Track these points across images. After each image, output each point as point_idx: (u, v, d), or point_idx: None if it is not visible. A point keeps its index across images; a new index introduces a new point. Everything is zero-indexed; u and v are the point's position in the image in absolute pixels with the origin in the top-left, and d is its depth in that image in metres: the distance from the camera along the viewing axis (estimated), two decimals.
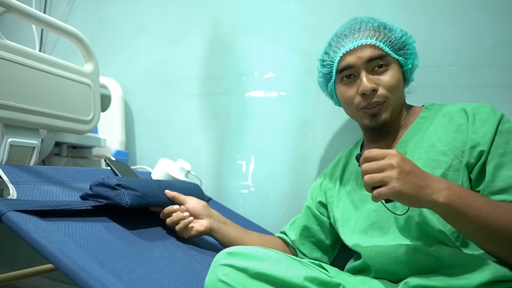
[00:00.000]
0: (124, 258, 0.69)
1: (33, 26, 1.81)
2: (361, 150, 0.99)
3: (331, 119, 1.29)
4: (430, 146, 0.79)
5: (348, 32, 0.85)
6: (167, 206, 0.90)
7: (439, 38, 1.16)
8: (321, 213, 1.01)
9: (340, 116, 1.28)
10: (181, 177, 1.19)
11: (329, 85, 0.93)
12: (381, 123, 0.84)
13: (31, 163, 0.96)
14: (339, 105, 0.97)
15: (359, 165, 0.66)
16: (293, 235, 1.03)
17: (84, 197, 0.84)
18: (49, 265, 1.15)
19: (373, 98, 0.82)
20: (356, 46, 0.82)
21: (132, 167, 1.27)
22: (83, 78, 1.10)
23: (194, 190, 1.09)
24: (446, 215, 0.63)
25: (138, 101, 1.64)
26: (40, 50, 1.83)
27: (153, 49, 1.63)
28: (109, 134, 1.47)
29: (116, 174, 1.14)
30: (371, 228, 0.83)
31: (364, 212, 0.85)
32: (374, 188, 0.62)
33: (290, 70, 1.36)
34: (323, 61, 0.91)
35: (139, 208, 0.87)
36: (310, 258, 1.00)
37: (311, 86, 1.33)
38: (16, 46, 0.91)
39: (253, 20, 1.44)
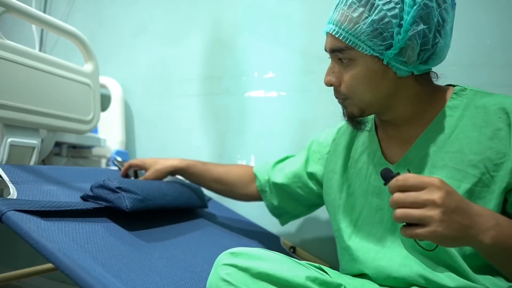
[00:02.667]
0: (124, 259, 0.69)
1: (33, 26, 1.81)
2: (377, 134, 0.81)
3: (331, 119, 1.28)
4: (458, 152, 0.67)
5: (334, 8, 0.72)
6: (168, 209, 0.91)
7: None
8: (310, 181, 0.97)
9: (339, 116, 1.27)
10: (181, 177, 1.19)
11: None
12: (349, 117, 0.76)
13: (31, 163, 0.96)
14: None
15: (384, 184, 0.55)
16: (278, 177, 1.01)
17: (85, 198, 0.84)
18: (49, 265, 1.15)
19: (337, 91, 0.75)
20: (326, 31, 0.74)
21: None
22: (83, 78, 1.10)
23: (194, 190, 1.09)
24: (488, 253, 0.56)
25: (138, 101, 1.64)
26: (40, 50, 1.83)
27: (153, 49, 1.63)
28: (109, 134, 1.46)
29: (126, 175, 1.14)
30: (374, 227, 0.76)
31: (372, 204, 0.77)
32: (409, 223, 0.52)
33: (290, 70, 1.36)
34: None
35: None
36: (278, 207, 1.03)
37: (311, 86, 1.33)
38: (16, 46, 0.91)
39: (253, 20, 1.44)
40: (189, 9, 1.56)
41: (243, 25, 1.45)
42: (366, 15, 0.65)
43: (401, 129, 0.75)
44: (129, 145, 1.61)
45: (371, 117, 0.84)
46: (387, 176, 0.55)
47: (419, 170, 0.71)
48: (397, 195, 0.51)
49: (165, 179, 1.18)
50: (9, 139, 0.89)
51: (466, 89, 0.75)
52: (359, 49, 0.67)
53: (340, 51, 0.69)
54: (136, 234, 0.81)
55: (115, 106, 1.55)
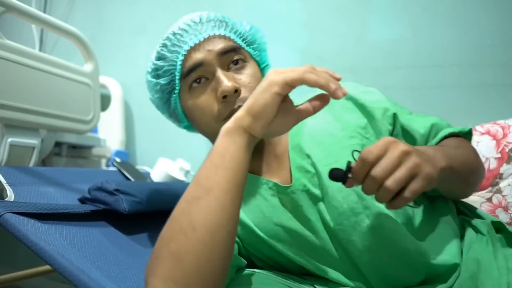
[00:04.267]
0: (121, 265, 0.69)
1: (33, 26, 1.81)
2: None
3: None
4: (330, 136, 0.63)
5: (188, 26, 0.67)
6: (166, 211, 0.90)
7: (439, 38, 1.16)
8: None
9: None
10: (180, 177, 1.19)
11: (172, 99, 0.69)
12: None
13: (31, 163, 0.96)
14: (187, 126, 0.74)
15: (344, 183, 0.49)
16: None
17: (83, 201, 0.84)
18: (48, 267, 1.15)
19: (235, 102, 0.61)
20: (203, 38, 0.65)
21: None
22: (83, 78, 1.10)
23: None
24: (448, 175, 0.53)
25: (138, 101, 1.64)
26: (40, 50, 1.83)
27: (153, 49, 1.62)
28: (109, 134, 1.46)
29: (126, 177, 1.14)
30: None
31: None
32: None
33: None
34: (157, 70, 0.69)
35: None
36: None
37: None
38: (16, 46, 0.90)
39: (253, 20, 1.43)
40: (189, 9, 1.55)
41: None
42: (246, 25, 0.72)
43: (267, 142, 0.68)
44: (129, 145, 1.61)
45: None
46: (340, 174, 0.49)
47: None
48: (375, 171, 0.45)
49: (161, 177, 1.17)
50: (9, 139, 0.89)
51: None
52: (247, 49, 0.69)
53: (235, 50, 0.65)
54: (134, 239, 0.81)
55: (115, 106, 1.55)
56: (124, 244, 0.78)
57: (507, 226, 0.63)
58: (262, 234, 0.62)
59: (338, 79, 0.50)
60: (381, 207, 0.59)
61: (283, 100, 0.50)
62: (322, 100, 0.51)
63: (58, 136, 1.12)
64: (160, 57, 0.68)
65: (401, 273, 0.59)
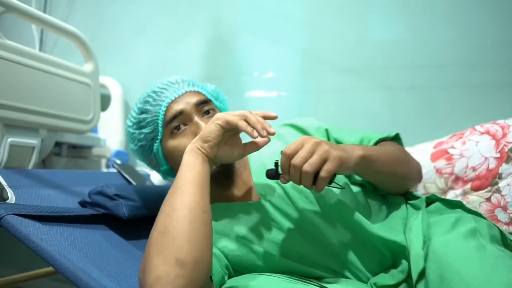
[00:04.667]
0: (121, 266, 0.69)
1: (33, 26, 1.81)
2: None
3: (331, 119, 1.28)
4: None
5: (166, 87, 0.82)
6: None
7: (439, 38, 1.16)
8: None
9: (340, 116, 1.28)
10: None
11: (155, 146, 0.81)
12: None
13: (31, 163, 0.96)
14: (166, 170, 0.84)
15: (280, 177, 0.62)
16: None
17: (83, 204, 0.84)
18: (50, 268, 1.15)
19: None
20: (182, 93, 0.80)
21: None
22: (83, 78, 1.10)
23: None
24: (368, 163, 0.67)
25: None
26: (40, 50, 1.83)
27: (153, 49, 1.63)
28: (109, 134, 1.46)
29: (126, 179, 1.14)
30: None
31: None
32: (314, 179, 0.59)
33: (290, 70, 1.36)
34: (140, 122, 0.81)
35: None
36: None
37: (311, 86, 1.32)
38: (16, 46, 0.90)
39: (253, 20, 1.43)
40: (189, 9, 1.56)
41: (243, 25, 1.45)
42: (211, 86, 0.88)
43: (236, 170, 0.80)
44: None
45: None
46: (273, 172, 0.64)
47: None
48: (294, 160, 0.59)
49: (158, 178, 1.17)
50: (9, 139, 0.89)
51: None
52: (215, 102, 0.86)
53: (207, 102, 0.81)
54: (133, 243, 0.82)
55: (115, 106, 1.55)
56: (124, 246, 0.78)
57: (437, 196, 0.78)
58: (256, 247, 0.71)
59: (274, 118, 0.67)
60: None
61: (233, 135, 0.67)
62: (258, 143, 0.67)
63: (58, 136, 1.12)
64: (142, 111, 0.82)
65: (372, 257, 0.70)
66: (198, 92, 0.82)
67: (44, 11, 1.86)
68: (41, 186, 0.86)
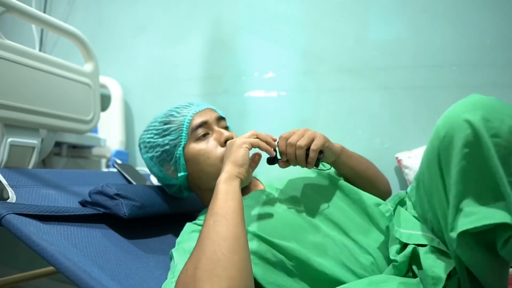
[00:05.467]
0: (122, 265, 0.69)
1: (33, 26, 1.81)
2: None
3: (331, 119, 1.29)
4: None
5: (188, 105, 0.92)
6: (166, 214, 0.90)
7: (439, 38, 1.16)
8: None
9: (339, 116, 1.28)
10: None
11: (179, 150, 0.87)
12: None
13: (31, 163, 0.96)
14: (181, 177, 0.89)
15: (277, 161, 0.76)
16: None
17: (83, 204, 0.84)
18: (51, 268, 1.15)
19: None
20: (203, 108, 0.91)
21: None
22: (83, 78, 1.10)
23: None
24: (346, 156, 0.85)
25: (138, 101, 1.64)
26: (40, 50, 1.83)
27: (153, 49, 1.63)
28: (109, 134, 1.46)
29: (126, 179, 1.14)
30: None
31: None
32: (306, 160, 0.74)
33: (290, 70, 1.36)
34: (164, 131, 0.89)
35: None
36: None
37: (311, 86, 1.32)
38: (16, 46, 0.90)
39: (253, 20, 1.43)
40: (189, 9, 1.56)
41: (243, 25, 1.45)
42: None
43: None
44: (129, 145, 1.61)
45: None
46: (272, 159, 0.76)
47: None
48: (290, 139, 0.75)
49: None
50: (9, 139, 0.89)
51: None
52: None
53: (224, 119, 0.93)
54: (133, 243, 0.81)
55: (115, 106, 1.55)
56: (124, 246, 0.78)
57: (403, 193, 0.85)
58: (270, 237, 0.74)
59: (275, 140, 0.78)
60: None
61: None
62: (258, 157, 0.79)
63: (58, 136, 1.12)
64: (166, 123, 0.90)
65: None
66: (215, 110, 0.93)
67: (44, 11, 1.86)
68: (42, 185, 0.86)
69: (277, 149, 0.76)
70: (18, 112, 0.89)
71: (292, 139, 0.74)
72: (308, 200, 0.80)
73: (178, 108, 0.92)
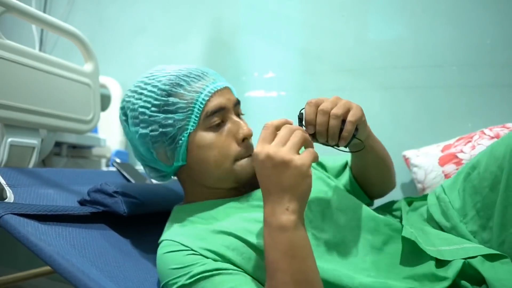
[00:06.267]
0: (120, 267, 0.69)
1: (33, 26, 1.81)
2: None
3: None
4: None
5: (202, 75, 0.71)
6: (165, 212, 0.90)
7: (439, 38, 1.16)
8: None
9: None
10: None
11: (184, 135, 0.67)
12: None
13: (31, 163, 0.96)
14: (175, 168, 0.72)
15: (303, 123, 0.62)
16: None
17: (82, 203, 0.84)
18: (50, 267, 1.15)
19: (251, 147, 0.71)
20: (221, 87, 0.70)
21: None
22: (83, 78, 1.10)
23: None
24: (372, 137, 0.72)
25: None
26: (40, 50, 1.83)
27: (153, 49, 1.63)
28: (109, 134, 1.46)
29: (125, 177, 1.14)
30: None
31: None
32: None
33: (290, 70, 1.36)
34: (167, 105, 0.67)
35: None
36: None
37: (311, 86, 1.32)
38: (16, 46, 0.90)
39: (253, 20, 1.43)
40: (189, 9, 1.56)
41: (243, 25, 1.45)
42: None
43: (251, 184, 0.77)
44: (129, 145, 1.61)
45: None
46: (298, 125, 0.62)
47: None
48: (322, 106, 0.60)
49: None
50: (9, 139, 0.89)
51: None
52: None
53: (240, 103, 0.75)
54: (132, 243, 0.81)
55: (115, 106, 1.55)
56: (123, 247, 0.78)
57: (414, 197, 0.85)
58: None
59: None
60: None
61: None
62: None
63: (58, 136, 1.12)
64: (170, 94, 0.68)
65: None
66: (233, 92, 0.74)
67: (44, 11, 1.86)
68: (40, 185, 0.85)
69: (303, 114, 0.61)
70: (18, 112, 0.90)
71: (324, 106, 0.59)
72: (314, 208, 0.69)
73: (188, 75, 0.70)
